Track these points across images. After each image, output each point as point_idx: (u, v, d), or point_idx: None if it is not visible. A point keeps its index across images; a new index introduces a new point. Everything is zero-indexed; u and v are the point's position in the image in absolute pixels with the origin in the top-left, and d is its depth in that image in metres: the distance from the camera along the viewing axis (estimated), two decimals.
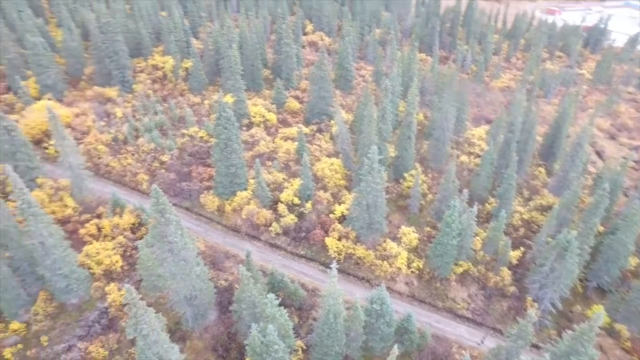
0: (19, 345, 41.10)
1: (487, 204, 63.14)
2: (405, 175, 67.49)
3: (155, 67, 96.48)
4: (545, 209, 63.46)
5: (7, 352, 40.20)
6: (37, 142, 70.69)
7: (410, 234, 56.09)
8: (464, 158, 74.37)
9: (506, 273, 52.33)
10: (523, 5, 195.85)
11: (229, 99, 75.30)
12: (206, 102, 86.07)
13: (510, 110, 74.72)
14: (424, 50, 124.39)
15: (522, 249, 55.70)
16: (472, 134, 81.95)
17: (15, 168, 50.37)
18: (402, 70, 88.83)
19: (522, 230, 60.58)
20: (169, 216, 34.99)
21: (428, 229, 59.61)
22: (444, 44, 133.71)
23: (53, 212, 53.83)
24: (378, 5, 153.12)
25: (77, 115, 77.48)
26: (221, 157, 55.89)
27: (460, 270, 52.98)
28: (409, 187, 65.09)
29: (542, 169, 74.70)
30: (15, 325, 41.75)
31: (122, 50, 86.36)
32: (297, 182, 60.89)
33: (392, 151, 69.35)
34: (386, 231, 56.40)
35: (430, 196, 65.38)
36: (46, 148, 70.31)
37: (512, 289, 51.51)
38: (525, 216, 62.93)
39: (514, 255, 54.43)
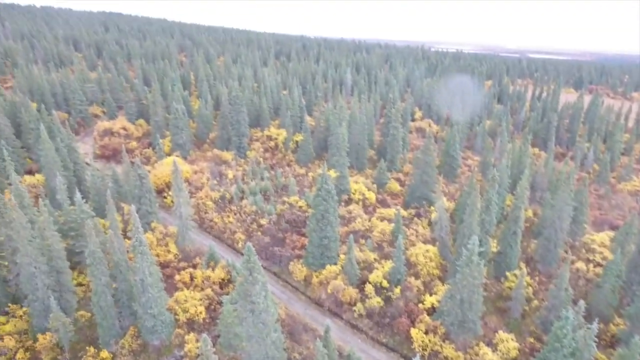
0: None
1: (612, 325, 52.86)
2: (508, 274, 60.76)
3: (269, 138, 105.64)
4: None
5: None
6: (159, 192, 79.65)
7: (508, 342, 48.63)
8: (580, 264, 64.91)
9: None
10: None
11: (332, 173, 77.92)
12: (310, 174, 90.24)
13: None
14: (537, 145, 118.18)
15: None
16: (591, 238, 72.09)
17: (138, 210, 56.84)
18: (511, 162, 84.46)
19: None
20: (256, 275, 35.29)
21: (531, 339, 51.28)
22: (561, 140, 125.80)
23: (157, 255, 58.36)
24: (490, 98, 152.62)
25: (195, 172, 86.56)
26: (316, 228, 56.47)
27: None
28: (510, 288, 58.10)
29: None
30: (104, 353, 43.92)
31: (244, 120, 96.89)
32: (388, 265, 58.31)
33: (494, 246, 63.80)
34: (480, 333, 49.78)
35: (535, 302, 57.26)
36: (165, 197, 78.77)
37: None
38: None
39: None
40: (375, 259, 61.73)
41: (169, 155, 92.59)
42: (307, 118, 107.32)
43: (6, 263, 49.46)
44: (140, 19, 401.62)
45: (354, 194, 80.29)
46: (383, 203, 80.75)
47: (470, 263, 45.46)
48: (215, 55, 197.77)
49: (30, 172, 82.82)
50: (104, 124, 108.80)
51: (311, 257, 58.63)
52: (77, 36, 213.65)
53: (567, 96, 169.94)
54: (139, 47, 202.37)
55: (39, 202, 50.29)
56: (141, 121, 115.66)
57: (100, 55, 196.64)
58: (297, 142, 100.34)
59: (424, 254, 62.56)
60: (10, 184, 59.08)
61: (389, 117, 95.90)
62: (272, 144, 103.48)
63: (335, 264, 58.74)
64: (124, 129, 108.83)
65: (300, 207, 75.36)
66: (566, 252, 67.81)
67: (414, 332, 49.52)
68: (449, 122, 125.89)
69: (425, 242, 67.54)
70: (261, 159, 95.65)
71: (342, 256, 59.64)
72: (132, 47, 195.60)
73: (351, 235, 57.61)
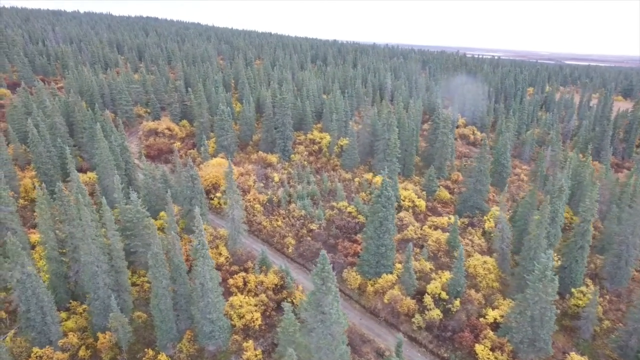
0: None
1: None
2: (573, 290, 57.15)
3: (313, 142, 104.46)
4: None
5: None
6: (206, 193, 79.32)
7: None
8: None
9: None
10: None
11: (379, 179, 75.79)
12: (356, 179, 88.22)
13: None
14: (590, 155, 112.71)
15: None
16: None
17: (189, 211, 56.13)
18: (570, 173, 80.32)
19: None
20: (330, 285, 33.56)
21: None
22: (616, 150, 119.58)
23: None
24: (535, 105, 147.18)
25: (241, 174, 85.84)
26: (373, 235, 54.47)
27: None
28: (577, 305, 54.71)
29: None
30: (162, 357, 43.17)
31: (289, 123, 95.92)
32: (446, 275, 55.80)
33: (556, 260, 60.21)
34: (551, 353, 46.53)
35: (607, 323, 53.49)
36: (211, 199, 78.33)
37: None
38: None
39: None
40: (431, 269, 59.29)
41: (214, 156, 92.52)
42: (351, 123, 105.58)
43: (67, 260, 49.72)
44: (177, 23, 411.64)
45: (403, 200, 77.84)
46: (433, 211, 77.99)
47: (543, 278, 42.55)
48: (252, 58, 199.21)
49: (81, 170, 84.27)
50: (149, 124, 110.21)
51: (366, 265, 56.63)
52: (120, 40, 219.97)
53: (617, 104, 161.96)
54: (179, 50, 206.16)
55: (93, 201, 50.37)
56: (184, 122, 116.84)
57: (142, 58, 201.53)
58: (341, 146, 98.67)
59: (482, 265, 59.75)
60: (68, 181, 59.82)
61: (437, 124, 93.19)
62: (315, 147, 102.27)
63: (392, 273, 56.58)
64: (169, 129, 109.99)
65: (350, 212, 73.39)
66: (638, 271, 63.37)
67: (479, 348, 46.77)
68: (495, 129, 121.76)
69: (481, 253, 64.62)
70: (305, 163, 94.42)
71: (398, 265, 57.50)
72: (172, 51, 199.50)
73: (410, 244, 55.29)
